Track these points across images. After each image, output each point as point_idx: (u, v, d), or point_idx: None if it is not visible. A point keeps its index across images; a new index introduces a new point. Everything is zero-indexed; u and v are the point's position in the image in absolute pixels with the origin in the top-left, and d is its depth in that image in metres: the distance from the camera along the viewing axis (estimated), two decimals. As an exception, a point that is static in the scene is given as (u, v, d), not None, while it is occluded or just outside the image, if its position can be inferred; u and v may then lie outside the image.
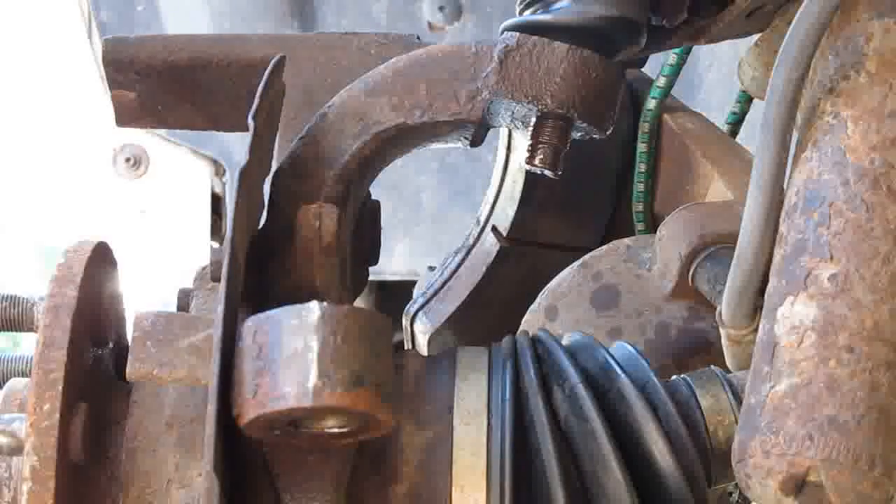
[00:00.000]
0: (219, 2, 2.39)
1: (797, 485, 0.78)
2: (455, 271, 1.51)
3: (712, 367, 0.92)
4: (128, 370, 0.77)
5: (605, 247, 1.24)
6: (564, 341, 0.92)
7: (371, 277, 1.08)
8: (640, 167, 1.41)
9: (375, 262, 1.05)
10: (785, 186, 0.86)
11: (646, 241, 1.22)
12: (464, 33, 2.37)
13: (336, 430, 0.76)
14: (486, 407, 0.85)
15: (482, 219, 1.51)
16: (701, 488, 0.85)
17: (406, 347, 1.52)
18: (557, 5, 1.05)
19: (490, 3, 2.38)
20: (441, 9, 2.38)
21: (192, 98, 1.10)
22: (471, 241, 1.52)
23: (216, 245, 2.50)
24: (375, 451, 0.83)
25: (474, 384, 0.86)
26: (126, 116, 1.12)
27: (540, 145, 1.01)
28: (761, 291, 0.86)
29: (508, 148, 1.47)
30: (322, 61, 1.07)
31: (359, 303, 1.24)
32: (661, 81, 1.39)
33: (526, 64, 0.99)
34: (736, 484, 0.83)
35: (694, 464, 0.85)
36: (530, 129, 1.01)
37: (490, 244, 1.49)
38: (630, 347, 0.92)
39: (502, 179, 1.49)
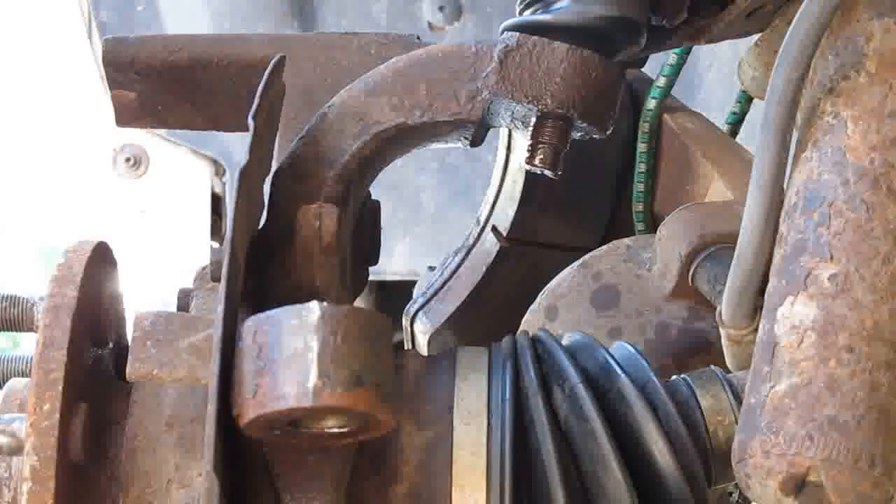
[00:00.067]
0: (219, 2, 2.39)
1: (797, 485, 0.78)
2: (455, 271, 1.51)
3: (712, 367, 0.92)
4: (128, 370, 0.77)
5: (605, 247, 1.24)
6: (564, 341, 0.92)
7: (371, 277, 1.08)
8: (640, 167, 1.41)
9: (375, 262, 1.05)
10: (785, 186, 0.86)
11: (646, 241, 1.22)
12: (464, 33, 2.37)
13: (336, 430, 0.76)
14: (486, 407, 0.85)
15: (482, 219, 1.51)
16: (701, 488, 0.85)
17: (406, 347, 1.52)
18: (557, 5, 1.05)
19: (490, 3, 2.38)
20: (441, 9, 2.38)
21: (192, 98, 1.10)
22: (471, 241, 1.52)
23: (216, 245, 2.50)
24: (375, 451, 0.83)
25: (474, 384, 0.86)
26: (126, 116, 1.12)
27: (540, 145, 1.01)
28: (761, 291, 0.86)
29: (508, 148, 1.47)
30: (322, 61, 1.07)
31: (359, 303, 1.24)
32: (661, 81, 1.39)
33: (526, 64, 0.99)
34: (736, 484, 0.83)
35: (694, 464, 0.85)
36: (530, 129, 1.01)
37: (490, 244, 1.49)
38: (630, 347, 0.92)
39: (502, 179, 1.49)
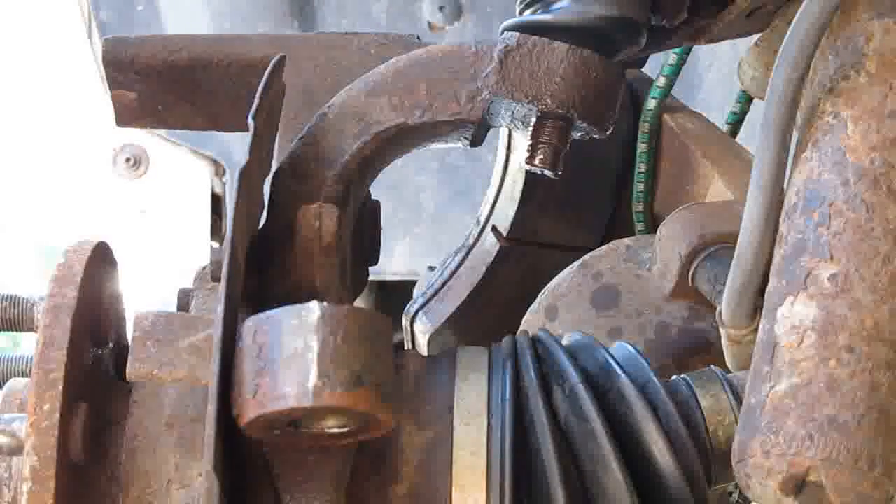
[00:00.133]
0: (219, 2, 2.39)
1: (797, 485, 0.78)
2: (455, 271, 1.51)
3: (712, 367, 0.92)
4: (128, 370, 0.77)
5: (605, 247, 1.24)
6: (564, 341, 0.92)
7: (371, 277, 1.08)
8: (640, 167, 1.41)
9: (375, 262, 1.05)
10: (785, 186, 0.86)
11: (646, 241, 1.22)
12: (464, 33, 2.37)
13: (336, 430, 0.76)
14: (486, 407, 0.85)
15: (482, 219, 1.51)
16: (701, 488, 0.85)
17: (406, 347, 1.52)
18: (557, 5, 1.05)
19: (490, 3, 2.38)
20: (441, 9, 2.38)
21: (192, 98, 1.10)
22: (471, 241, 1.52)
23: (216, 245, 2.50)
24: (375, 451, 0.83)
25: (474, 384, 0.86)
26: (126, 116, 1.12)
27: (540, 145, 1.01)
28: (761, 291, 0.86)
29: (508, 148, 1.47)
30: (322, 61, 1.07)
31: (359, 303, 1.24)
32: (661, 81, 1.39)
33: (526, 64, 0.99)
34: (736, 484, 0.83)
35: (694, 464, 0.85)
36: (530, 129, 1.01)
37: (490, 244, 1.49)
38: (630, 347, 0.92)
39: (502, 179, 1.49)
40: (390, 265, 2.37)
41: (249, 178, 0.81)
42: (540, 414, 0.84)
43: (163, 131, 2.44)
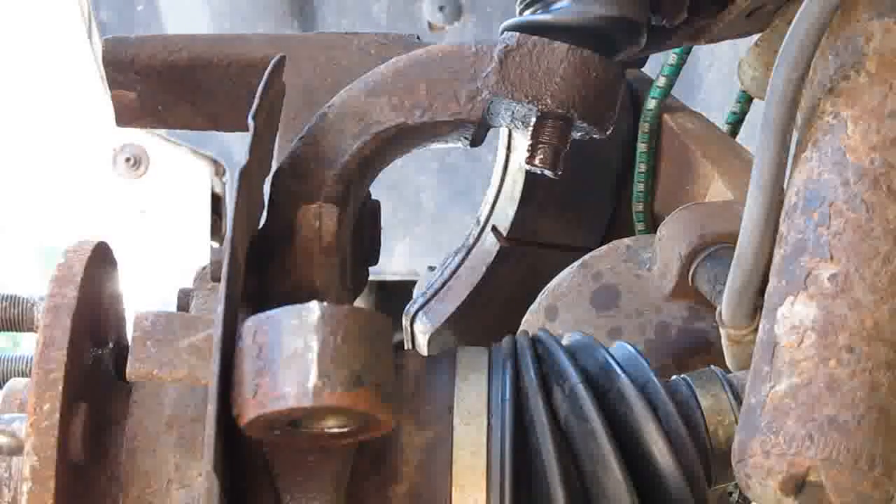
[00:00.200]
0: (219, 2, 2.39)
1: (797, 485, 0.78)
2: (455, 271, 1.51)
3: (712, 367, 0.92)
4: (128, 370, 0.77)
5: (605, 247, 1.24)
6: (564, 341, 0.92)
7: (371, 277, 1.08)
8: (640, 167, 1.41)
9: (375, 262, 1.05)
10: (785, 186, 0.86)
11: (646, 241, 1.22)
12: (464, 33, 2.37)
13: (336, 430, 0.76)
14: (486, 407, 0.85)
15: (482, 219, 1.51)
16: (701, 488, 0.85)
17: (406, 347, 1.52)
18: (557, 5, 1.05)
19: (490, 3, 2.38)
20: (441, 9, 2.38)
21: (192, 98, 1.10)
22: (471, 241, 1.52)
23: (216, 245, 2.50)
24: (375, 451, 0.82)
25: (474, 384, 0.86)
26: (126, 116, 1.12)
27: (540, 145, 1.01)
28: (761, 291, 0.86)
29: (508, 148, 1.47)
30: (322, 61, 1.07)
31: (359, 303, 1.24)
32: (661, 81, 1.39)
33: (526, 64, 0.99)
34: (736, 484, 0.83)
35: (694, 464, 0.85)
36: (530, 129, 1.01)
37: (490, 244, 1.49)
38: (630, 347, 0.92)
39: (502, 179, 1.49)
40: (390, 265, 2.37)
41: (249, 178, 0.81)
42: (540, 414, 0.84)
43: (163, 131, 2.44)
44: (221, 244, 0.81)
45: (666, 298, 1.17)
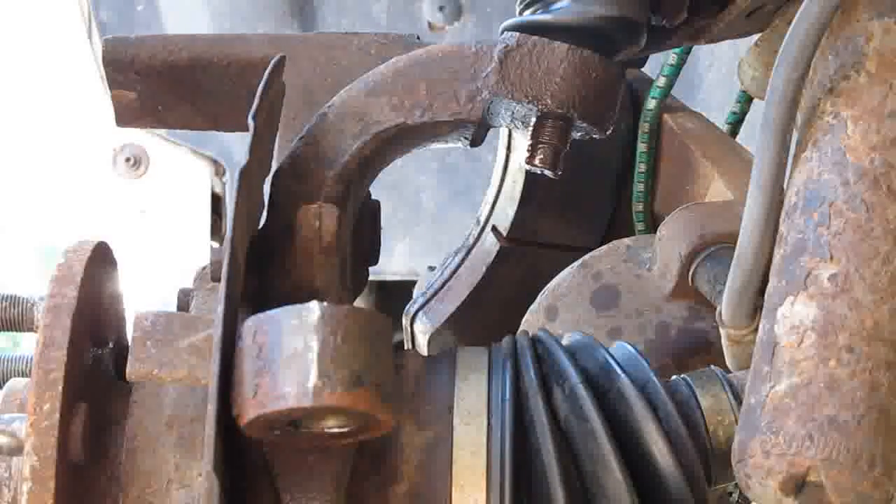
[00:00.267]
0: (219, 2, 2.39)
1: (797, 485, 0.78)
2: (455, 271, 1.51)
3: (712, 367, 0.91)
4: (128, 370, 0.77)
5: (605, 247, 1.24)
6: (564, 341, 0.92)
7: (371, 277, 1.08)
8: (640, 167, 1.41)
9: (375, 262, 1.05)
10: (785, 186, 0.86)
11: (646, 241, 1.22)
12: (464, 33, 2.37)
13: (336, 430, 0.76)
14: (486, 407, 0.85)
15: (482, 219, 1.51)
16: (701, 488, 0.85)
17: (406, 347, 1.52)
18: (557, 5, 1.05)
19: (490, 3, 2.38)
20: (441, 9, 2.38)
21: (192, 98, 1.10)
22: (471, 241, 1.52)
23: (216, 245, 2.50)
24: (375, 451, 0.82)
25: (474, 384, 0.86)
26: (126, 116, 1.12)
27: (540, 145, 1.01)
28: (761, 291, 0.86)
29: (508, 148, 1.47)
30: (322, 61, 1.07)
31: (359, 303, 1.24)
32: (661, 81, 1.39)
33: (526, 64, 0.99)
34: (736, 484, 0.83)
35: (694, 464, 0.85)
36: (530, 129, 1.01)
37: (490, 244, 1.49)
38: (630, 347, 0.92)
39: (502, 179, 1.49)
40: (390, 265, 2.37)
41: (249, 178, 0.81)
42: (540, 414, 0.84)
43: (163, 131, 2.44)
44: (221, 244, 0.81)
45: (666, 298, 1.17)
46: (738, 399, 0.87)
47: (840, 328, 0.79)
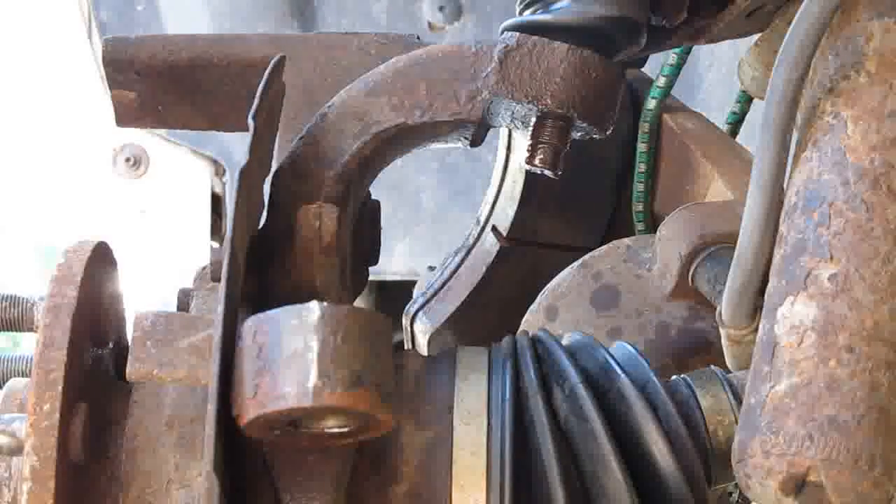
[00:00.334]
0: (219, 2, 2.39)
1: (797, 485, 0.78)
2: (455, 271, 1.51)
3: (712, 367, 0.92)
4: (128, 370, 0.77)
5: (605, 247, 1.24)
6: (564, 341, 0.92)
7: (371, 277, 1.08)
8: (640, 167, 1.41)
9: (375, 262, 1.05)
10: (785, 186, 0.86)
11: (646, 241, 1.22)
12: (464, 33, 2.37)
13: (336, 430, 0.76)
14: (486, 407, 0.85)
15: (482, 219, 1.51)
16: (701, 488, 0.85)
17: (406, 347, 1.52)
18: (557, 5, 1.05)
19: (490, 3, 2.38)
20: (441, 9, 2.38)
21: (192, 98, 1.10)
22: (471, 241, 1.52)
23: (216, 245, 2.50)
24: (375, 451, 0.82)
25: (474, 384, 0.86)
26: (126, 116, 1.12)
27: (540, 145, 1.01)
28: (761, 291, 0.86)
29: (508, 148, 1.47)
30: (322, 61, 1.07)
31: (359, 303, 1.24)
32: (661, 81, 1.39)
33: (526, 64, 0.99)
34: (736, 484, 0.83)
35: (694, 464, 0.85)
36: (530, 129, 1.01)
37: (490, 244, 1.49)
38: (630, 347, 0.92)
39: (502, 179, 1.49)
40: (390, 265, 2.37)
41: (249, 178, 0.81)
42: (540, 414, 0.84)
43: (163, 131, 2.44)
44: (221, 244, 0.81)
45: (666, 298, 1.17)
46: (738, 399, 0.87)
47: (840, 328, 0.79)
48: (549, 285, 1.23)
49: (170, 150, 2.51)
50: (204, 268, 0.93)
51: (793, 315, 0.81)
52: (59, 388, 0.78)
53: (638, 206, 1.42)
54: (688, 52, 1.36)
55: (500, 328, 1.01)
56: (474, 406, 0.85)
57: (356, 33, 1.10)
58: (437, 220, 2.40)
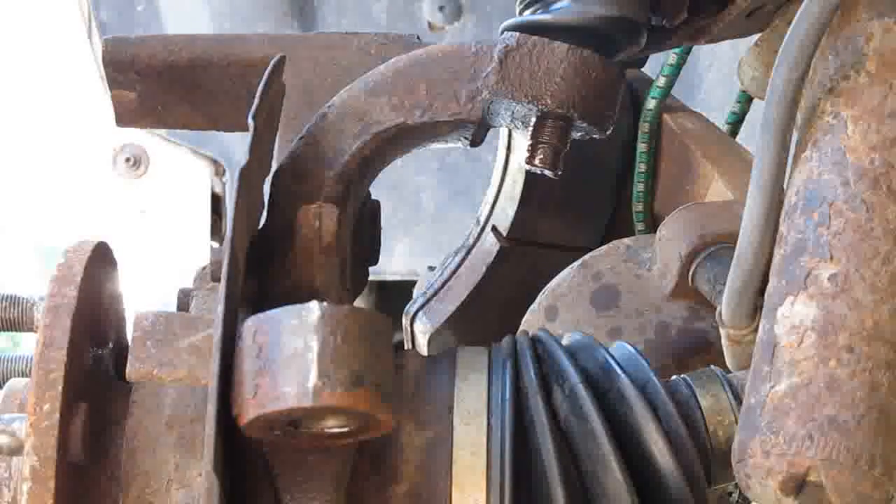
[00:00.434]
0: (219, 2, 2.39)
1: (797, 485, 0.78)
2: (455, 271, 1.51)
3: (712, 367, 0.92)
4: (128, 370, 0.77)
5: (605, 247, 1.24)
6: (564, 341, 0.92)
7: (371, 277, 1.08)
8: (640, 167, 1.41)
9: (375, 262, 1.05)
10: (785, 186, 0.86)
11: (646, 241, 1.22)
12: (464, 33, 2.37)
13: (336, 430, 0.76)
14: (486, 407, 0.85)
15: (482, 219, 1.51)
16: (701, 488, 0.85)
17: (406, 347, 1.52)
18: (557, 5, 1.05)
19: (490, 3, 2.38)
20: (441, 9, 2.38)
21: (192, 98, 1.10)
22: (471, 241, 1.52)
23: (216, 245, 2.50)
24: (375, 451, 0.82)
25: (474, 384, 0.86)
26: (126, 116, 1.12)
27: (540, 145, 1.01)
28: (761, 291, 0.86)
29: (508, 148, 1.47)
30: (322, 61, 1.07)
31: (359, 303, 1.24)
32: (661, 81, 1.39)
33: (526, 64, 0.99)
34: (736, 484, 0.83)
35: (694, 464, 0.85)
36: (530, 129, 1.01)
37: (490, 244, 1.49)
38: (630, 347, 0.92)
39: (502, 179, 1.49)
40: (390, 265, 2.37)
41: (249, 178, 0.81)
42: (540, 414, 0.84)
43: (163, 131, 2.44)
44: (221, 244, 0.81)
45: (666, 298, 1.17)
46: (738, 399, 0.87)
47: (840, 328, 0.79)
48: (549, 285, 1.23)
49: (170, 150, 2.51)
50: (204, 268, 0.93)
51: (793, 315, 0.81)
52: (59, 388, 0.78)
53: (638, 206, 1.42)
54: (688, 52, 1.36)
55: (500, 328, 1.01)
56: (474, 406, 0.85)
57: (356, 33, 1.10)
58: (437, 220, 2.40)
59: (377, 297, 2.64)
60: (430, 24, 2.39)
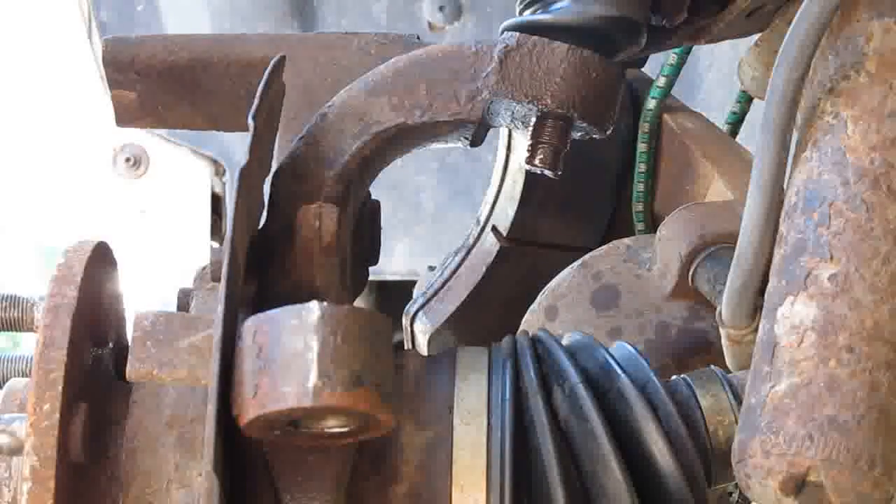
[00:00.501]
0: (219, 2, 2.39)
1: (797, 485, 0.78)
2: (455, 271, 1.51)
3: (712, 367, 0.92)
4: (128, 370, 0.77)
5: (605, 247, 1.24)
6: (564, 341, 0.92)
7: (371, 277, 1.08)
8: (640, 167, 1.41)
9: (375, 262, 1.05)
10: (785, 186, 0.86)
11: (646, 241, 1.22)
12: (464, 33, 2.37)
13: (336, 430, 0.76)
14: (486, 407, 0.85)
15: (482, 219, 1.51)
16: (701, 488, 0.85)
17: (406, 347, 1.52)
18: (557, 5, 1.05)
19: (490, 3, 2.38)
20: (441, 9, 2.38)
21: (192, 98, 1.10)
22: (471, 241, 1.52)
23: (216, 245, 2.50)
24: (375, 451, 0.83)
25: (474, 384, 0.86)
26: (126, 116, 1.11)
27: (540, 145, 1.01)
28: (761, 291, 0.86)
29: (508, 148, 1.47)
30: (322, 61, 1.07)
31: (359, 303, 1.24)
32: (661, 81, 1.39)
33: (526, 64, 0.99)
34: (736, 484, 0.83)
35: (694, 464, 0.85)
36: (530, 129, 1.01)
37: (490, 244, 1.49)
38: (630, 347, 0.92)
39: (502, 179, 1.49)
40: (390, 265, 2.37)
41: (249, 178, 0.81)
42: (540, 414, 0.84)
43: (163, 131, 2.44)
44: (221, 244, 0.81)
45: (666, 298, 1.17)
46: (738, 399, 0.87)
47: (840, 328, 0.79)
48: (549, 285, 1.23)
49: (170, 150, 2.51)
50: (204, 268, 0.93)
51: (793, 315, 0.81)
52: (59, 388, 0.78)
53: (638, 206, 1.42)
54: (688, 52, 1.36)
55: (500, 328, 1.01)
56: (474, 406, 0.85)
57: (356, 33, 1.10)
58: (437, 220, 2.40)
59: (377, 297, 2.64)
60: (430, 24, 2.39)
